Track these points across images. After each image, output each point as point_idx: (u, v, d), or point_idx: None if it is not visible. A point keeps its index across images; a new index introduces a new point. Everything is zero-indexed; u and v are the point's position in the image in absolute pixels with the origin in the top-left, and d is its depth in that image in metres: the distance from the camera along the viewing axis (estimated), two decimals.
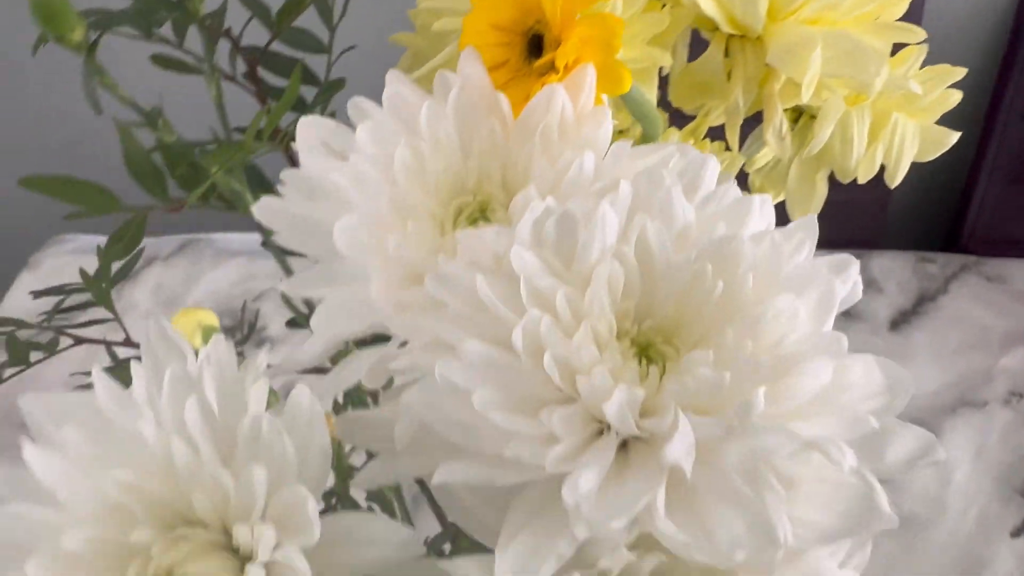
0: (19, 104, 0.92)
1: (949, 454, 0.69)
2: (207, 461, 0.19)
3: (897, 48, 0.37)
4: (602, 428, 0.19)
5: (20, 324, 0.46)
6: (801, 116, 0.39)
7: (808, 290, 0.20)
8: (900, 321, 0.77)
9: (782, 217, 0.39)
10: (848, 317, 0.77)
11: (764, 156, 0.38)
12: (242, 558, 0.20)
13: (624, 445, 0.19)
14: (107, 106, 0.32)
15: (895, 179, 0.39)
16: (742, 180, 0.40)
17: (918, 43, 0.34)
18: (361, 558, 0.19)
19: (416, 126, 0.23)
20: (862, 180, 0.38)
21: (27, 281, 0.83)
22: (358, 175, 0.22)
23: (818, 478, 0.18)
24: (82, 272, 0.48)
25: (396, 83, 0.23)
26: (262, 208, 0.22)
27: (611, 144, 0.24)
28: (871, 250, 0.84)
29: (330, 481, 0.36)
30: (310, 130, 0.23)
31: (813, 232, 0.22)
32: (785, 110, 0.39)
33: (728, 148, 0.38)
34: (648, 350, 0.20)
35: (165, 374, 0.20)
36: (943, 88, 0.38)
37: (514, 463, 0.18)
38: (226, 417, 0.20)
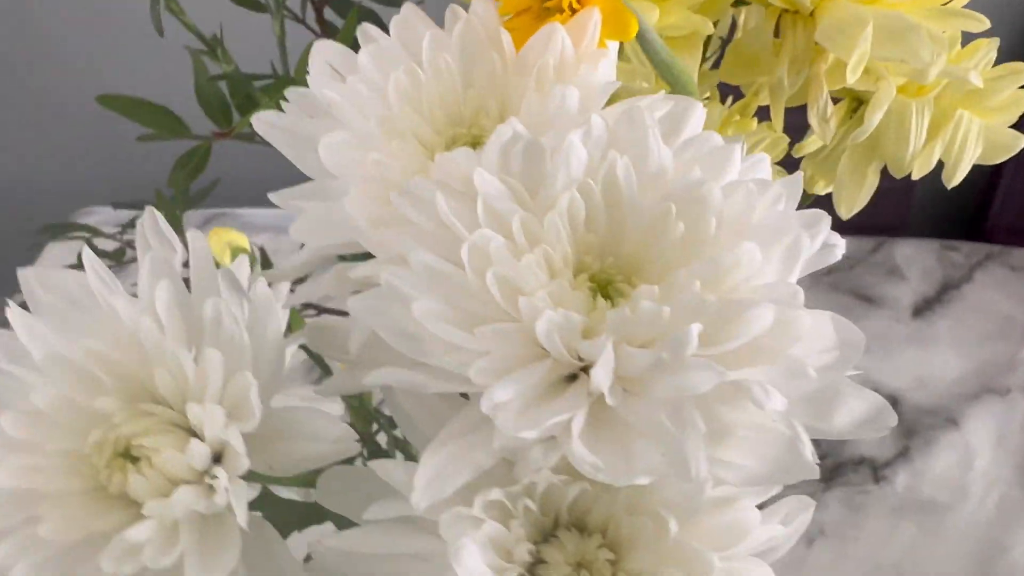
0: (39, 85, 0.94)
1: (971, 441, 0.68)
2: (170, 341, 0.20)
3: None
4: (545, 354, 0.19)
5: (94, 232, 0.50)
6: (862, 105, 0.38)
7: (775, 241, 0.20)
8: (923, 308, 0.77)
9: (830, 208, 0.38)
10: (871, 303, 0.76)
11: (813, 142, 0.37)
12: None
13: (575, 378, 0.19)
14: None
15: (953, 179, 0.37)
16: (791, 166, 0.39)
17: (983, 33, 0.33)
18: (303, 451, 0.20)
19: (418, 53, 0.23)
20: (917, 176, 0.37)
21: (56, 251, 0.85)
22: (352, 93, 0.23)
23: (751, 424, 0.18)
24: (158, 193, 0.50)
25: (407, 12, 0.24)
26: (259, 120, 0.23)
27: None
28: (895, 237, 0.83)
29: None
30: (322, 53, 0.24)
31: (796, 189, 0.21)
32: (846, 97, 0.38)
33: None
34: (607, 287, 0.20)
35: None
36: (1015, 87, 0.36)
37: (445, 373, 0.18)
38: (200, 305, 0.21)
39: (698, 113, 0.22)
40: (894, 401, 0.70)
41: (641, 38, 0.28)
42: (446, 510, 0.18)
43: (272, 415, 0.21)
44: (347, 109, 0.22)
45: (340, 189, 0.23)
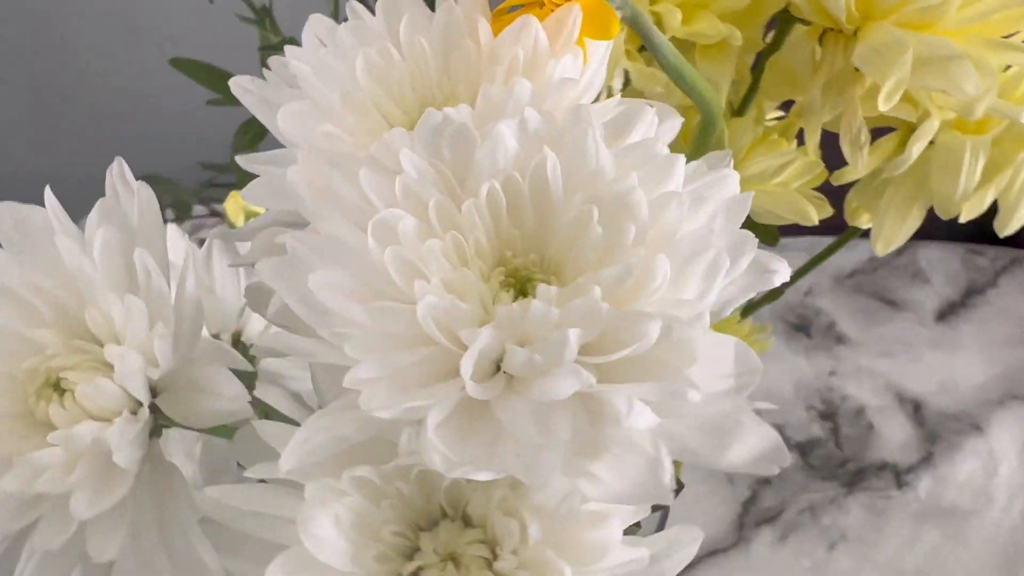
0: (62, 76, 0.94)
1: (995, 447, 0.66)
2: (101, 284, 0.21)
3: None
4: (431, 340, 0.19)
5: (169, 183, 0.52)
6: None
7: (695, 258, 0.19)
8: (947, 312, 0.74)
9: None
10: (894, 306, 0.73)
11: (853, 171, 0.35)
12: None
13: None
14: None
15: (1006, 228, 0.34)
16: (836, 194, 0.37)
17: None
18: (208, 406, 0.21)
19: (396, 33, 0.24)
20: (965, 219, 0.34)
21: None
22: (321, 66, 0.23)
23: (626, 441, 0.17)
24: (233, 157, 0.53)
25: None
26: (235, 84, 0.24)
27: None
28: (920, 240, 0.80)
29: None
30: (314, 27, 0.25)
31: (740, 209, 0.20)
32: (901, 127, 0.36)
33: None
34: (527, 284, 0.20)
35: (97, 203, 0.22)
36: None
37: (334, 344, 0.18)
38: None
39: (648, 119, 0.21)
40: (917, 406, 0.68)
41: (647, 40, 0.27)
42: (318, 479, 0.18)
43: (189, 368, 0.21)
44: (312, 80, 0.23)
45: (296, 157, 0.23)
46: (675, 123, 0.23)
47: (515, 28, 0.23)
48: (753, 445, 0.18)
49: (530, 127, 0.20)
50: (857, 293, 0.71)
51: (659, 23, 0.31)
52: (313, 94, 0.23)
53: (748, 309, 0.45)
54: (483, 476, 0.16)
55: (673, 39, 0.32)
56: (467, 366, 0.17)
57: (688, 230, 0.19)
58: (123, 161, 0.23)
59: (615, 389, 0.17)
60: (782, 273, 0.20)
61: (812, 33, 0.32)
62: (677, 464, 0.50)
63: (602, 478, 0.17)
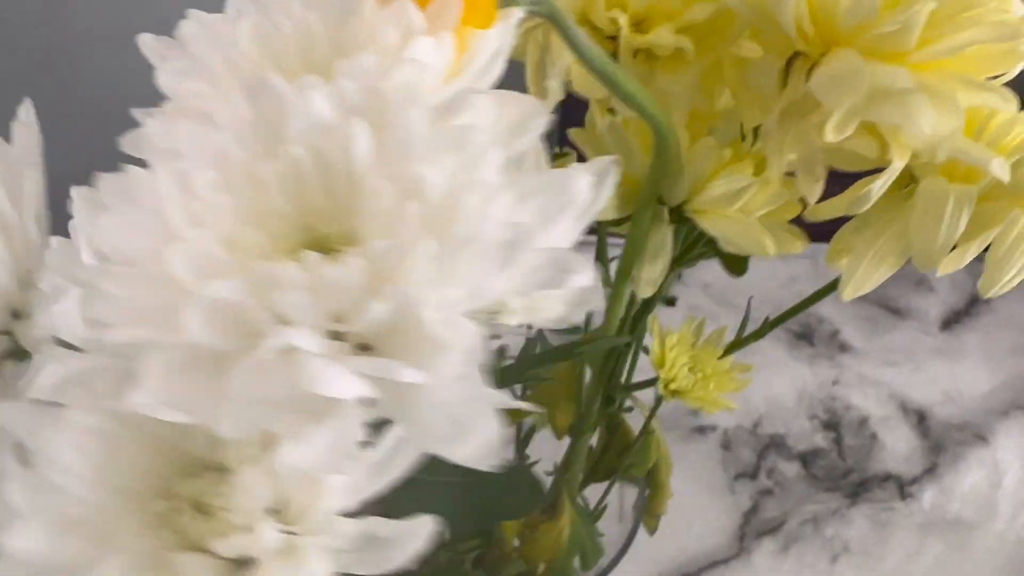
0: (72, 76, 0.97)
1: (1000, 457, 0.65)
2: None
3: None
4: None
5: None
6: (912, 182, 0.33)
7: (467, 248, 0.18)
8: (952, 321, 0.72)
9: None
10: (898, 315, 0.70)
11: (830, 206, 0.32)
12: None
13: None
14: None
15: (990, 289, 0.31)
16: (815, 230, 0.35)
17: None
18: (30, 333, 0.22)
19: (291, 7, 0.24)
20: (943, 273, 0.32)
21: None
22: (209, 27, 0.24)
23: (337, 411, 0.17)
24: None
25: None
26: (142, 41, 0.25)
27: None
28: None
29: None
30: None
31: (555, 212, 0.20)
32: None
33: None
34: (330, 254, 0.20)
35: None
36: None
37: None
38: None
39: (477, 106, 0.20)
40: (921, 416, 0.66)
41: (568, 42, 0.27)
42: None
43: (29, 296, 0.22)
44: (198, 40, 0.24)
45: None
46: (540, 122, 0.22)
47: (393, 9, 0.23)
48: (479, 438, 0.17)
49: (347, 98, 0.20)
50: (861, 301, 0.69)
51: (615, 30, 0.30)
52: (197, 54, 0.24)
53: (756, 333, 0.43)
54: (179, 418, 0.17)
55: (639, 51, 0.31)
56: (192, 312, 0.17)
57: (470, 218, 0.19)
58: (30, 103, 0.25)
59: (324, 359, 0.17)
60: (583, 276, 0.19)
61: (778, 55, 0.30)
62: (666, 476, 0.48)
63: (305, 442, 0.17)
